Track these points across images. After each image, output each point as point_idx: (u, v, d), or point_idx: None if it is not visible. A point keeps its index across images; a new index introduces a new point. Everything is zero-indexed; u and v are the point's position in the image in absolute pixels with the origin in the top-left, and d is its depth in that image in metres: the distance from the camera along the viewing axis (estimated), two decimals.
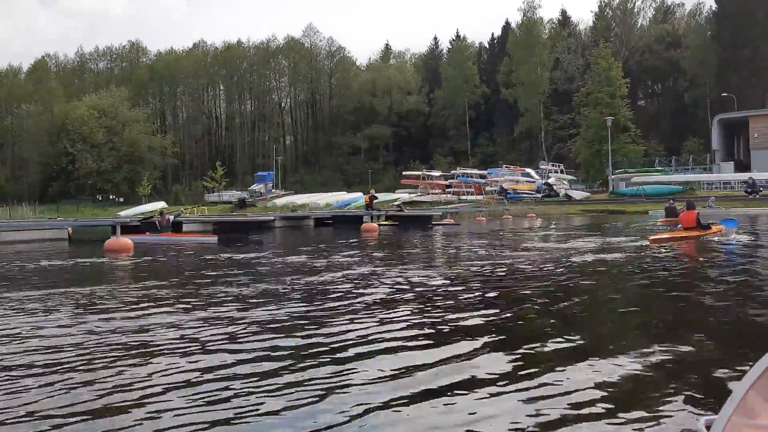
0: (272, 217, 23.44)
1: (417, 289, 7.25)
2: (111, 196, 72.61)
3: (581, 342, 4.70)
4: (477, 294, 6.93)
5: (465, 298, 6.62)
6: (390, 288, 7.39)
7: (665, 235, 14.79)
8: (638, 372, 3.87)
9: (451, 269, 9.87)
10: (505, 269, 9.37)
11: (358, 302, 6.41)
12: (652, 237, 14.30)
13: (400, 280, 8.21)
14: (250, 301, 6.64)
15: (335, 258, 11.91)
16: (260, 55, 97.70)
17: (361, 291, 7.25)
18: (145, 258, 13.17)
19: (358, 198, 48.25)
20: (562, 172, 58.55)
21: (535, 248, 13.30)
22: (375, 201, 28.61)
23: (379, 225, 25.81)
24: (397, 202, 44.15)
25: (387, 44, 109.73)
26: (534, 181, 54.07)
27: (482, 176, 57.06)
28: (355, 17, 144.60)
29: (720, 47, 67.46)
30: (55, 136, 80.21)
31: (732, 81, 63.76)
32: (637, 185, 46.62)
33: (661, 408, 3.22)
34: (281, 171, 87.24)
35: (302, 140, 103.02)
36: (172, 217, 19.39)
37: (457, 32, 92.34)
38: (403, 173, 60.72)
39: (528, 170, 57.50)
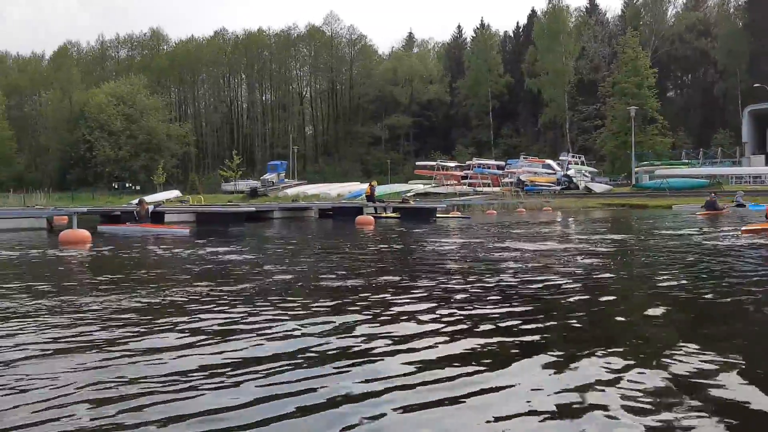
0: (253, 208, 22.28)
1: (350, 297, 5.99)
2: (127, 184, 72.46)
3: (641, 350, 4.03)
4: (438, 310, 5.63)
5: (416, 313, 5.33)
6: (331, 298, 6.14)
7: (758, 226, 14.34)
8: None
9: (418, 272, 8.58)
10: (480, 274, 8.05)
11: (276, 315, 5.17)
12: (745, 227, 14.18)
13: (346, 289, 6.97)
14: (147, 307, 5.44)
15: (294, 256, 10.72)
16: (281, 43, 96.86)
17: (284, 301, 5.99)
18: (98, 251, 12.11)
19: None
20: (583, 163, 56.73)
21: (543, 249, 11.89)
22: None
23: (381, 217, 24.63)
24: (410, 194, 42.88)
25: (410, 33, 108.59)
26: (554, 173, 52.37)
27: (500, 167, 55.46)
28: (378, 5, 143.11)
29: (752, 36, 64.90)
30: (73, 124, 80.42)
31: (764, 71, 61.13)
32: (661, 178, 44.84)
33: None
34: (302, 161, 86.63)
35: (322, 130, 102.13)
36: (151, 207, 18.42)
37: (481, 21, 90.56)
38: (417, 164, 59.32)
39: (548, 161, 55.81)
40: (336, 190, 48.94)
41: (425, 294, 6.21)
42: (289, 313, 5.24)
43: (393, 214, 25.45)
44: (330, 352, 3.93)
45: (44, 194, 55.26)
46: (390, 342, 4.18)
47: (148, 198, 32.15)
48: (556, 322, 4.92)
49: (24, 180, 75.24)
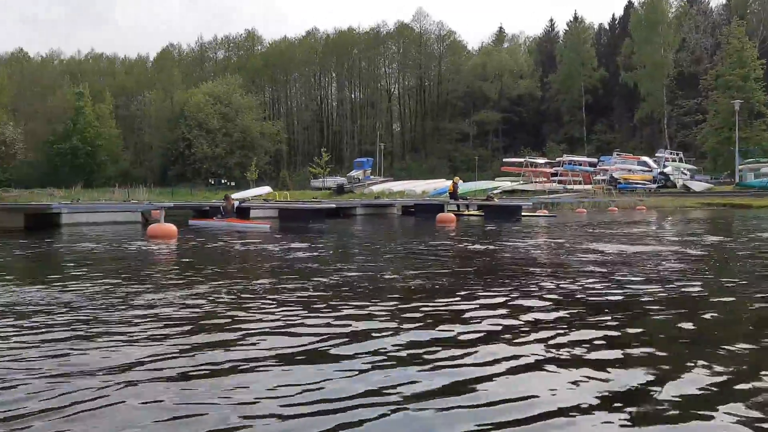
0: (334, 205, 22.49)
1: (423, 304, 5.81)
2: (222, 180, 75.14)
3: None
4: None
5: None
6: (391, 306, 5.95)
7: None
8: None
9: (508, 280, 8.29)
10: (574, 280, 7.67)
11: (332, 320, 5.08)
12: None
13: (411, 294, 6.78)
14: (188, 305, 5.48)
15: (364, 255, 10.64)
16: (370, 41, 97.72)
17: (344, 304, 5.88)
18: (181, 245, 12.52)
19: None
20: (681, 160, 53.92)
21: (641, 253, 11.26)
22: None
23: (463, 215, 24.33)
24: (496, 191, 42.20)
25: (500, 27, 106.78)
26: (650, 171, 50.08)
27: (592, 164, 53.50)
28: (467, 0, 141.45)
29: None
30: (174, 122, 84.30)
31: None
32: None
33: None
34: (389, 158, 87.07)
35: (410, 127, 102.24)
36: (237, 203, 18.95)
37: (574, 14, 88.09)
38: (504, 160, 58.10)
39: (644, 158, 53.39)
40: (421, 187, 48.79)
41: (505, 303, 5.58)
42: (359, 326, 4.87)
43: (476, 212, 25.08)
44: (408, 375, 3.39)
45: (146, 189, 58.07)
46: (475, 364, 3.58)
47: (237, 195, 33.38)
48: (664, 357, 3.83)
49: (129, 176, 79.32)
